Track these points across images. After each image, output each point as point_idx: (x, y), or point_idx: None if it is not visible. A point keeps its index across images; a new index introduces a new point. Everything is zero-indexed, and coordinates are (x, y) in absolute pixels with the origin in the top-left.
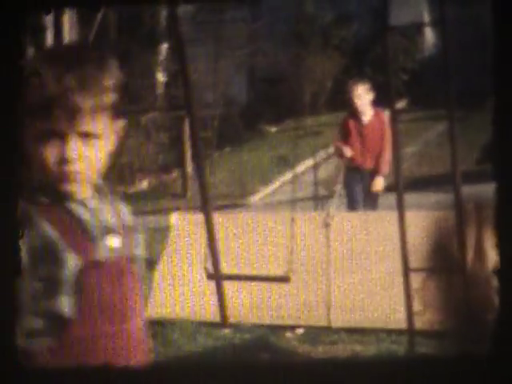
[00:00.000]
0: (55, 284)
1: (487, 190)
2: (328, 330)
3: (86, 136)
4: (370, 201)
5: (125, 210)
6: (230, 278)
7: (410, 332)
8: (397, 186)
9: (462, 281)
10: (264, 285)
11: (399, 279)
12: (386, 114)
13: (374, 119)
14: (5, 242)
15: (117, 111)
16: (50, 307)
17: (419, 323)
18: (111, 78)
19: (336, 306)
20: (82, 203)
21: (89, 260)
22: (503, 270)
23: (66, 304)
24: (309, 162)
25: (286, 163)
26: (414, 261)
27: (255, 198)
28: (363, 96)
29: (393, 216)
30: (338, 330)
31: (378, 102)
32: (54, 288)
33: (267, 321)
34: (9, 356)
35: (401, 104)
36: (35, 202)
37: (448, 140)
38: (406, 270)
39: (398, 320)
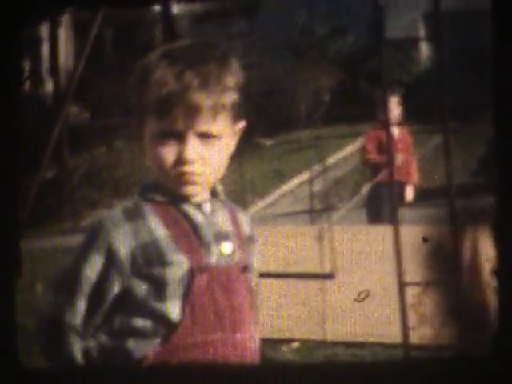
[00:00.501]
0: (162, 285)
1: (483, 202)
2: (323, 343)
3: (204, 136)
4: (394, 213)
5: (244, 219)
6: None
7: (405, 346)
8: (391, 200)
9: (462, 293)
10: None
11: (394, 293)
12: (407, 130)
13: (401, 132)
14: (5, 242)
15: (238, 112)
16: (157, 309)
17: (414, 338)
18: (233, 77)
19: (331, 319)
20: (198, 206)
21: (199, 264)
22: (503, 269)
23: (173, 307)
24: (304, 176)
25: (281, 176)
26: (409, 275)
27: (251, 211)
28: (395, 109)
29: (388, 230)
30: (333, 344)
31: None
32: (161, 289)
33: (263, 334)
34: (9, 356)
35: None
36: (151, 200)
37: (443, 153)
38: (401, 285)
39: (394, 334)
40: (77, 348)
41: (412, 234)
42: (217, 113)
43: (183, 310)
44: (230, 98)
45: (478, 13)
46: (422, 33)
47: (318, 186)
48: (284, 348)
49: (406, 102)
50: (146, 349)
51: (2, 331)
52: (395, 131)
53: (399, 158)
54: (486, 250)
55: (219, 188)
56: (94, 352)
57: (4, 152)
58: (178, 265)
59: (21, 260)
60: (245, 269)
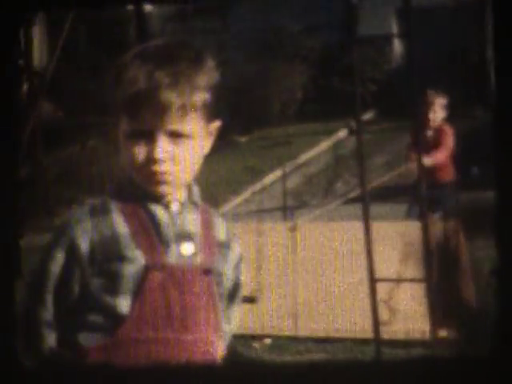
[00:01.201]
0: (117, 280)
1: (463, 197)
2: (295, 339)
3: (175, 135)
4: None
5: (219, 224)
6: None
7: (377, 341)
8: (362, 197)
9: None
10: None
11: (366, 289)
12: (450, 130)
13: (437, 134)
14: (5, 242)
15: (211, 112)
16: (109, 303)
17: (386, 333)
18: (205, 77)
19: (303, 315)
20: (166, 205)
21: (156, 262)
22: (503, 270)
23: (124, 302)
24: (278, 172)
25: (255, 173)
26: (381, 271)
27: (225, 209)
28: (439, 111)
29: (359, 226)
30: (305, 340)
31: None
32: (116, 284)
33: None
34: (9, 356)
35: (369, 115)
36: (119, 198)
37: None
38: (372, 281)
39: (365, 329)
40: (51, 342)
41: (383, 229)
42: (187, 112)
43: (133, 305)
44: (201, 97)
45: (450, 9)
46: (395, 29)
47: (291, 183)
48: (256, 344)
49: (378, 99)
50: (95, 342)
51: (2, 331)
52: (430, 133)
53: (432, 160)
54: (459, 244)
55: (195, 190)
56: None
57: (4, 152)
58: (134, 261)
59: (21, 260)
60: (207, 272)
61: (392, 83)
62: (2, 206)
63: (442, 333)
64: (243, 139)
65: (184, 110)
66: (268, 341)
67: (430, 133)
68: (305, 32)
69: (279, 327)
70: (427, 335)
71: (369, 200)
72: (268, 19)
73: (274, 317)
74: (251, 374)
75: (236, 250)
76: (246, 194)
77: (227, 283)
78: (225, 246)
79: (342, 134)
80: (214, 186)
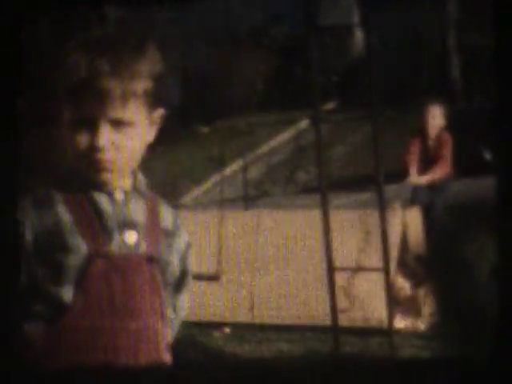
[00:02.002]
0: (60, 269)
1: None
2: (255, 328)
3: (116, 123)
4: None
5: (166, 212)
6: None
7: (335, 330)
8: (319, 185)
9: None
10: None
11: (325, 277)
12: (449, 139)
13: (438, 143)
14: (5, 240)
15: (154, 100)
16: (52, 292)
17: (345, 320)
18: (147, 64)
19: (262, 303)
20: (109, 194)
21: (98, 251)
22: (503, 270)
23: (68, 291)
24: (239, 162)
25: (217, 163)
26: (340, 259)
27: (187, 198)
28: (438, 118)
29: (319, 215)
30: (265, 329)
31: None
32: (59, 273)
33: (194, 318)
34: (9, 356)
35: (331, 105)
36: (62, 188)
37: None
38: (331, 270)
39: (324, 317)
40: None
41: (343, 218)
42: (128, 100)
43: (77, 294)
44: (143, 85)
45: None
46: (356, 19)
47: (252, 173)
48: (216, 333)
49: (340, 89)
50: (41, 332)
51: (2, 331)
52: (430, 142)
53: (432, 177)
54: (416, 233)
55: (140, 178)
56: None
57: (3, 152)
58: (77, 250)
59: (21, 259)
60: (150, 260)
61: (354, 73)
62: (3, 206)
63: (401, 323)
64: (205, 129)
65: (125, 97)
66: (227, 330)
67: (430, 142)
68: (268, 22)
69: (239, 315)
70: (385, 324)
71: (327, 190)
72: (230, 9)
73: (233, 305)
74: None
75: (183, 238)
76: (208, 184)
77: (174, 272)
78: (171, 235)
79: (304, 124)
80: (176, 177)
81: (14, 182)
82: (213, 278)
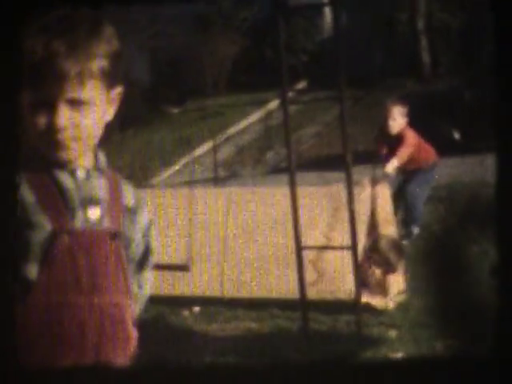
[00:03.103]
0: (25, 247)
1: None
2: (224, 306)
3: (74, 103)
4: None
5: (127, 190)
6: None
7: (303, 307)
8: (288, 165)
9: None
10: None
11: (293, 252)
12: (411, 133)
13: (400, 139)
14: (4, 241)
15: (111, 79)
16: (19, 271)
17: (313, 293)
18: (104, 44)
19: (232, 280)
20: (71, 172)
21: (62, 227)
22: (503, 269)
23: (33, 268)
24: (210, 143)
25: (187, 144)
26: (309, 235)
27: (158, 179)
28: (398, 119)
29: (288, 193)
30: (234, 307)
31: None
32: (24, 251)
33: (163, 295)
34: (9, 356)
35: (301, 85)
36: (25, 169)
37: (347, 120)
38: (299, 247)
39: (293, 294)
40: None
41: (312, 194)
42: (85, 79)
43: (41, 271)
44: (99, 64)
45: None
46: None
47: (222, 154)
48: (185, 312)
49: (310, 70)
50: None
51: (2, 331)
52: (393, 140)
53: (396, 162)
54: (385, 210)
55: (100, 156)
56: None
57: (3, 152)
58: (41, 227)
59: (20, 259)
60: (113, 236)
61: (323, 53)
62: (3, 206)
63: (369, 299)
64: (176, 110)
65: (81, 77)
66: (197, 309)
67: (392, 140)
68: (238, 4)
69: (209, 293)
70: (352, 297)
71: (295, 170)
72: None
73: (204, 282)
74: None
75: (144, 215)
76: (178, 165)
77: (137, 249)
78: (132, 212)
79: (273, 104)
80: (146, 157)
81: None
82: (182, 268)
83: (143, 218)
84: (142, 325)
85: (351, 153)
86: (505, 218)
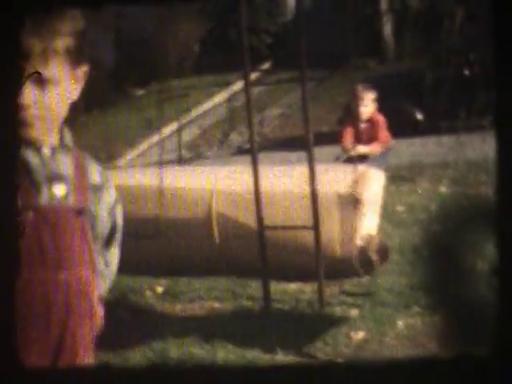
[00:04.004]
0: None
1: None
2: (187, 285)
3: (39, 81)
4: None
5: (92, 168)
6: None
7: (265, 286)
8: (251, 147)
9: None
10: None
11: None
12: (382, 120)
13: (370, 125)
14: (3, 241)
15: (76, 58)
16: None
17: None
18: (68, 23)
19: (194, 257)
20: (36, 149)
21: (28, 204)
22: (503, 269)
23: None
24: (174, 125)
25: (152, 126)
26: (273, 215)
27: (122, 161)
28: (369, 105)
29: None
30: (198, 288)
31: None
32: None
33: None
34: (9, 356)
35: (265, 66)
36: None
37: (310, 101)
38: (261, 227)
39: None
40: None
41: (271, 174)
42: (49, 58)
43: None
44: (64, 42)
45: None
46: None
47: (187, 136)
48: (148, 292)
49: (273, 51)
50: None
51: (2, 331)
52: (362, 125)
53: (367, 149)
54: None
55: (66, 134)
56: None
57: (3, 152)
58: None
59: (20, 260)
60: (79, 212)
61: (286, 35)
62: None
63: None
64: (140, 92)
65: (46, 55)
66: (160, 289)
67: (362, 125)
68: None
69: (173, 271)
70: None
71: (258, 151)
72: None
73: (168, 261)
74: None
75: (110, 193)
76: (143, 146)
77: (103, 226)
78: (98, 189)
79: (238, 86)
80: (111, 139)
81: None
82: (151, 237)
83: (109, 195)
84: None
85: (313, 134)
86: (505, 217)
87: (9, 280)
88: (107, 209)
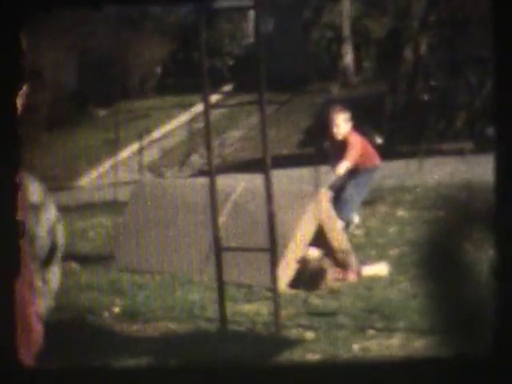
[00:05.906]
0: None
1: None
2: (144, 306)
3: None
4: None
5: (33, 187)
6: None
7: (222, 308)
8: (209, 169)
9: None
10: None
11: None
12: (354, 137)
13: (344, 145)
14: (4, 242)
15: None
16: None
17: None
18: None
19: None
20: None
21: None
22: (503, 269)
23: None
24: (135, 146)
25: (114, 146)
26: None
27: (83, 181)
28: (342, 126)
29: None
30: (154, 309)
31: (355, 128)
32: None
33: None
34: (9, 356)
35: (227, 88)
36: None
37: (271, 124)
38: (218, 248)
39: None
40: None
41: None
42: None
43: None
44: None
45: None
46: (250, 2)
47: (148, 156)
48: (106, 313)
49: (235, 73)
50: None
51: (2, 331)
52: (338, 143)
53: (344, 167)
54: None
55: None
56: None
57: (3, 152)
58: None
59: (21, 260)
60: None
61: (248, 57)
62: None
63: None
64: (102, 112)
65: None
66: (117, 310)
67: (337, 144)
68: (165, 6)
69: (133, 289)
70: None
71: (217, 173)
72: None
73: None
74: None
75: (51, 212)
76: (104, 166)
77: (43, 245)
78: (38, 209)
79: (199, 107)
80: (72, 159)
81: None
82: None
83: (50, 214)
84: (61, 325)
85: (274, 156)
86: (504, 217)
87: (9, 280)
88: (47, 228)
